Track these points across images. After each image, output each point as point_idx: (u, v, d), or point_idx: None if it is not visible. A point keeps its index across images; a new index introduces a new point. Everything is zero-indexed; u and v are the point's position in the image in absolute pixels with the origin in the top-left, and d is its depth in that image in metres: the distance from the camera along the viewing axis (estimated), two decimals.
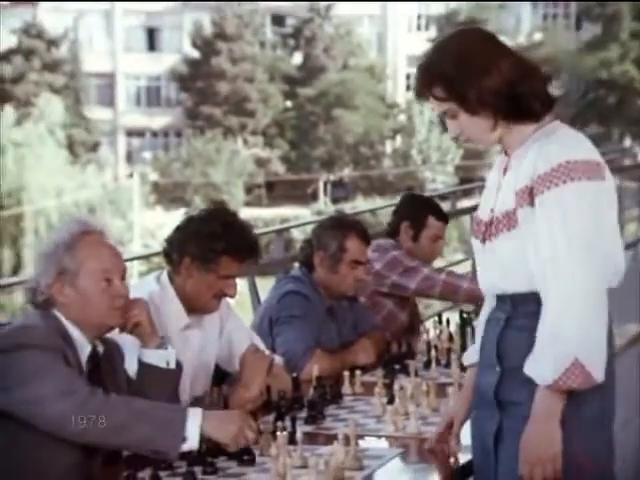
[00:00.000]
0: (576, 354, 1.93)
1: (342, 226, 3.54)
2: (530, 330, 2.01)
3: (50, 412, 2.25)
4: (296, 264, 3.76)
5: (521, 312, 2.06)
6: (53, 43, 31.24)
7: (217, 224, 2.87)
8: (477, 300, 4.16)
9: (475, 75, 2.04)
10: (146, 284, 2.92)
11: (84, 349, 2.41)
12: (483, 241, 2.10)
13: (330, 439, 2.43)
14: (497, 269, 2.07)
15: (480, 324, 2.24)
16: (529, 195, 2.00)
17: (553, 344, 1.96)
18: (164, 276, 2.92)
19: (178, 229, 2.92)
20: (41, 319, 2.39)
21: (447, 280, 3.98)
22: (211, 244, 2.84)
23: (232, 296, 2.91)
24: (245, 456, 2.37)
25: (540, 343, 1.98)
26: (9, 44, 30.25)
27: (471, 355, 2.27)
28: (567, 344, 1.94)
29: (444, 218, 4.16)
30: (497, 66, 2.04)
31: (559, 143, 2.02)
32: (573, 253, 1.96)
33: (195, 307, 2.90)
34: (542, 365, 1.97)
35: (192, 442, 2.28)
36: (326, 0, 32.47)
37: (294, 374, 2.99)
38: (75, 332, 2.41)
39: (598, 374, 1.96)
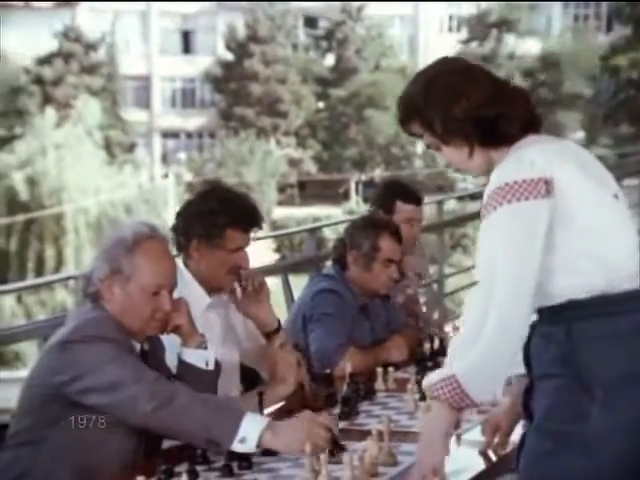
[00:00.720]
0: (455, 372, 1.97)
1: (375, 225, 3.53)
2: (539, 336, 2.01)
3: (123, 396, 2.30)
4: (329, 262, 3.76)
5: (542, 322, 2.05)
6: (91, 47, 31.49)
7: (215, 200, 2.88)
8: None
9: (440, 105, 2.03)
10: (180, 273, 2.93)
11: (135, 344, 2.46)
12: None
13: (364, 435, 2.42)
14: None
15: None
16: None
17: (449, 357, 2.03)
18: (180, 263, 2.93)
19: (179, 214, 2.94)
20: (96, 312, 2.42)
21: None
22: (213, 220, 2.85)
23: (245, 268, 2.91)
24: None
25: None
26: (50, 48, 30.54)
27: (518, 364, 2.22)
28: (455, 361, 1.99)
29: (414, 200, 4.00)
30: (466, 94, 2.02)
31: (499, 168, 2.00)
32: (485, 280, 1.97)
33: (213, 287, 2.91)
34: (431, 374, 2.07)
35: (250, 444, 2.26)
36: (358, 0, 32.41)
37: (327, 370, 2.99)
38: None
39: (479, 397, 1.99)
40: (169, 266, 2.47)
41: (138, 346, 2.46)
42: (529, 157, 1.98)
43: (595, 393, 1.93)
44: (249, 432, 2.26)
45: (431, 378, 2.03)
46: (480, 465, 2.37)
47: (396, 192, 4.03)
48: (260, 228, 2.93)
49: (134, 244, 2.42)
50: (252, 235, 2.93)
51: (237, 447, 2.26)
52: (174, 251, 2.94)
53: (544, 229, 1.95)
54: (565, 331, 1.95)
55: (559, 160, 2.00)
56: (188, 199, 3.03)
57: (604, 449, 1.93)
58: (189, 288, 2.87)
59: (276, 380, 2.84)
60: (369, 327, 3.56)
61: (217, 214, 2.84)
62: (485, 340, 1.94)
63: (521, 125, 2.03)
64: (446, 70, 2.07)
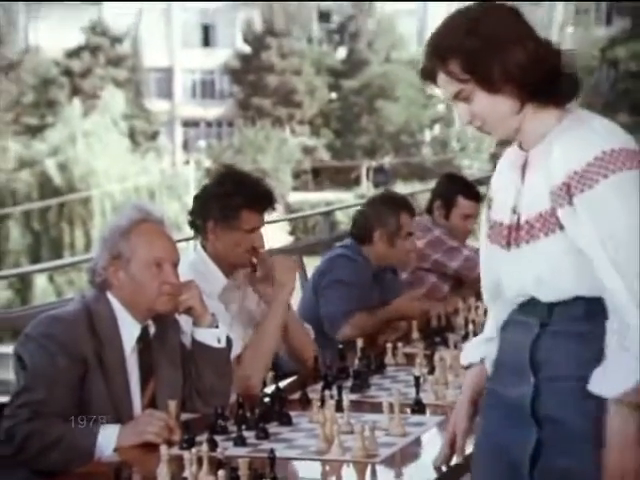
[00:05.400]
0: None
1: (396, 203, 3.61)
2: (566, 336, 1.70)
3: (14, 405, 2.29)
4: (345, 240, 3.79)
5: (558, 317, 1.71)
6: (117, 40, 31.45)
7: (230, 183, 2.85)
8: None
9: (499, 48, 1.68)
10: (186, 257, 2.90)
11: (132, 331, 2.41)
12: (508, 245, 1.75)
13: (375, 407, 2.42)
14: (532, 275, 1.72)
15: (492, 326, 1.87)
16: (567, 193, 1.66)
17: (627, 354, 1.62)
18: (198, 246, 2.93)
19: (196, 198, 2.91)
20: (93, 302, 2.39)
21: None
22: (228, 202, 2.82)
23: (261, 247, 2.89)
24: (284, 419, 2.39)
25: (611, 354, 1.65)
26: (78, 41, 30.56)
27: (473, 353, 1.91)
28: None
29: (475, 197, 4.06)
30: (522, 42, 1.69)
31: (593, 132, 1.69)
32: (630, 255, 1.62)
33: (231, 266, 2.88)
34: (611, 377, 1.64)
35: (108, 456, 2.24)
36: (368, 0, 32.27)
37: (340, 346, 2.98)
38: (124, 315, 2.41)
39: None
40: (166, 242, 2.44)
41: (137, 331, 2.41)
42: (619, 127, 1.72)
43: None
44: (105, 452, 2.24)
45: (615, 386, 1.63)
46: None
47: (459, 187, 4.08)
48: (274, 209, 2.91)
49: (129, 228, 2.40)
50: (266, 216, 2.90)
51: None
52: (174, 234, 2.90)
53: None
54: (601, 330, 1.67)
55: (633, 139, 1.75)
56: (204, 183, 3.00)
57: None
58: (207, 269, 2.86)
59: (276, 285, 2.82)
60: (379, 293, 3.61)
61: (232, 196, 2.81)
62: None
63: (568, 84, 1.75)
64: (498, 14, 1.72)
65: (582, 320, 1.70)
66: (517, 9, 1.75)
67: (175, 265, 2.45)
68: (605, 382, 1.64)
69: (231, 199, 2.82)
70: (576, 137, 1.69)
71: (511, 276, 1.76)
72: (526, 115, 1.73)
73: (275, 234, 2.92)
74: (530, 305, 1.75)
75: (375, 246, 3.56)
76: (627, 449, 1.63)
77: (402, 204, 3.60)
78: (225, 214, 2.82)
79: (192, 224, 2.92)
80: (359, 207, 3.77)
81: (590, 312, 1.70)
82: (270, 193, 2.89)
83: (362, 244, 3.56)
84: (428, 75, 1.74)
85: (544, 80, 1.70)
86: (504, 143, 1.86)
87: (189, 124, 34.14)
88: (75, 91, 28.56)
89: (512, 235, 1.74)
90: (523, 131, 1.74)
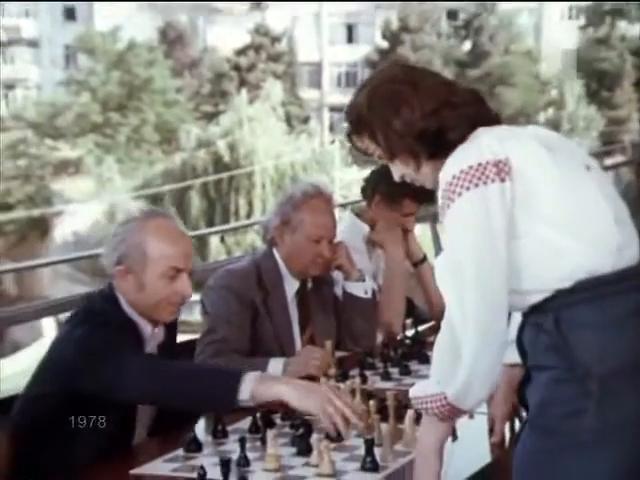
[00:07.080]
0: (446, 392, 1.46)
1: None
2: (538, 327, 1.47)
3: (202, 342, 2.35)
4: None
5: (532, 312, 1.49)
6: (276, 40, 31.85)
7: None
8: None
9: (382, 118, 1.52)
10: (343, 220, 2.93)
11: (292, 284, 2.45)
12: None
13: None
14: None
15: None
16: (442, 212, 1.54)
17: (436, 370, 1.50)
18: (352, 214, 2.93)
19: (374, 172, 2.89)
20: (262, 258, 2.43)
21: None
22: (398, 186, 2.78)
23: (411, 230, 2.86)
24: (423, 358, 2.37)
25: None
26: (244, 41, 31.25)
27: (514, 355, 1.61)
28: (442, 378, 1.47)
29: None
30: (408, 104, 1.51)
31: (445, 165, 1.49)
32: (462, 285, 1.43)
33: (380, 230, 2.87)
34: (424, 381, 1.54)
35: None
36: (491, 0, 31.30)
37: None
38: (285, 271, 2.44)
39: (470, 408, 1.50)
40: (329, 221, 2.44)
41: (296, 285, 2.44)
42: (476, 142, 1.48)
43: (590, 388, 1.41)
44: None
45: (417, 390, 1.53)
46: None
47: None
48: (432, 203, 2.87)
49: (301, 202, 2.40)
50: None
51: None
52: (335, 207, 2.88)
53: (500, 216, 1.43)
54: (553, 320, 1.44)
55: (514, 140, 1.48)
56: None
57: (600, 449, 1.41)
58: (360, 230, 2.86)
59: (390, 248, 2.80)
60: None
61: (402, 182, 2.80)
62: (468, 355, 1.43)
63: (470, 129, 1.51)
64: (389, 78, 1.55)
65: (534, 314, 1.49)
66: (408, 65, 1.60)
67: (331, 241, 2.45)
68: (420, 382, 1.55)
69: (399, 184, 2.80)
70: (442, 168, 1.51)
71: None
72: (432, 166, 1.56)
73: None
74: None
75: None
76: (421, 455, 1.54)
77: None
78: (391, 195, 2.79)
79: (363, 190, 2.89)
80: None
81: (535, 307, 1.48)
82: (431, 189, 2.86)
83: None
84: (357, 147, 1.62)
85: (431, 139, 1.51)
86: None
87: (335, 109, 34.19)
88: (242, 83, 29.16)
89: None
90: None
